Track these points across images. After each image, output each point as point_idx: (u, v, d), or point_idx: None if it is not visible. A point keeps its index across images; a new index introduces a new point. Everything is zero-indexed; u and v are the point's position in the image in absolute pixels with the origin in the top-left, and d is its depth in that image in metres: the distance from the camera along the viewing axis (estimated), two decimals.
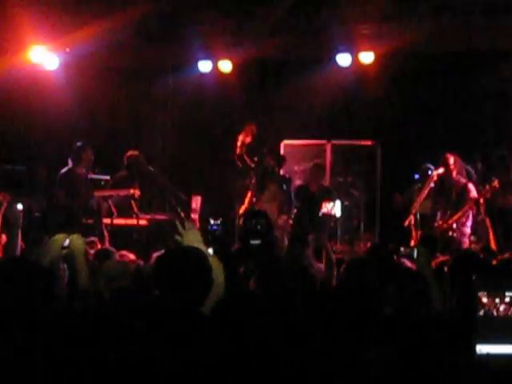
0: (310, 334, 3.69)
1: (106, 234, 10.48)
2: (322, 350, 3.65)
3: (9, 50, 11.70)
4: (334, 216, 11.29)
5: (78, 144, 11.00)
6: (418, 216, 10.69)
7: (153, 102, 14.46)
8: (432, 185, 10.99)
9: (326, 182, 12.38)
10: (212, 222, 3.72)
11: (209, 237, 4.13)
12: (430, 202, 10.94)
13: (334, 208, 11.31)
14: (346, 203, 12.79)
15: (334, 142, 13.08)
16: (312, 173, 11.78)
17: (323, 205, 10.92)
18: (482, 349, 3.53)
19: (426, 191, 10.93)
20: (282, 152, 12.79)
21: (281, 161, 11.66)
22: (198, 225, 9.73)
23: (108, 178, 11.67)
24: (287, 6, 11.34)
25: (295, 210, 11.27)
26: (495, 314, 3.52)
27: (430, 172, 11.14)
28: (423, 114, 12.81)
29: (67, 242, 5.35)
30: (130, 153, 11.48)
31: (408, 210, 10.90)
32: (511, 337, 3.56)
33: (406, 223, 10.76)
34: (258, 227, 3.68)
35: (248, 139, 11.74)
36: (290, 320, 3.72)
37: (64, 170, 10.91)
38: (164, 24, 12.15)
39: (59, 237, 5.38)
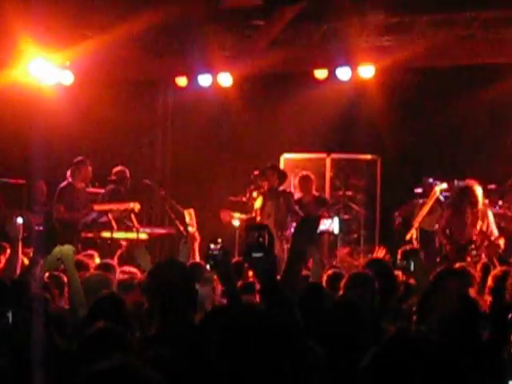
0: (310, 348, 3.66)
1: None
2: (321, 362, 3.62)
3: (8, 63, 11.69)
4: (332, 233, 11.23)
5: (77, 159, 11.20)
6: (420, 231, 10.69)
7: (153, 116, 14.46)
8: (434, 200, 10.97)
9: (326, 195, 12.33)
10: (212, 246, 3.69)
11: (210, 262, 4.11)
12: (433, 217, 10.92)
13: (332, 225, 11.25)
14: (346, 217, 12.74)
15: (334, 155, 13.04)
16: (301, 186, 11.67)
17: (321, 222, 10.82)
18: None
19: (428, 206, 10.90)
20: (282, 165, 12.71)
21: (282, 177, 11.47)
22: (198, 238, 9.62)
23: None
24: (287, 19, 11.33)
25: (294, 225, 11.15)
26: None
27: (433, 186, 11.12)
28: (423, 128, 12.79)
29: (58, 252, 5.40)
30: (117, 168, 11.53)
31: (409, 225, 10.87)
32: None
33: (408, 237, 10.73)
34: (261, 240, 3.63)
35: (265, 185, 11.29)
36: (291, 332, 3.69)
37: (63, 183, 11.04)
38: (164, 38, 12.16)
39: (54, 250, 5.42)
